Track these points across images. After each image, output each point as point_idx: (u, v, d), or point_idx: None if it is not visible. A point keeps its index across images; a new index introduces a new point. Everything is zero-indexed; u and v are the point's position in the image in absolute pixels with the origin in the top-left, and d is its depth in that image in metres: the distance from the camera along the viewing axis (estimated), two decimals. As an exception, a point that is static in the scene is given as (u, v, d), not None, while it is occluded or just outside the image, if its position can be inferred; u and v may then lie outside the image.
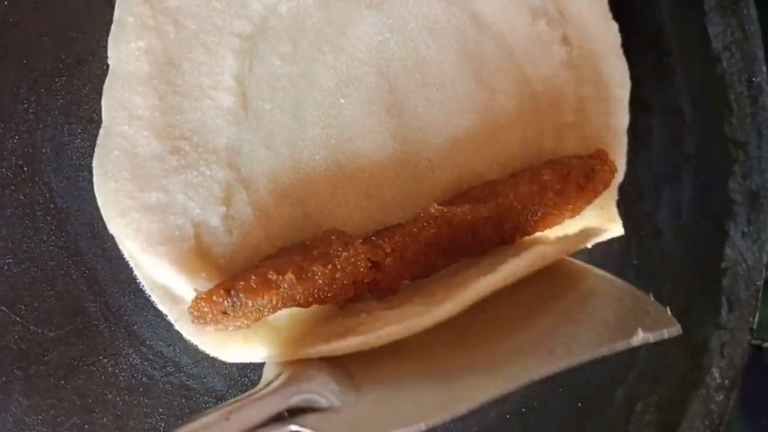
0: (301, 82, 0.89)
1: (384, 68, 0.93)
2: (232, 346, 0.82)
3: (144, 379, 0.91)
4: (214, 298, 0.75)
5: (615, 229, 0.97)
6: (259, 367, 0.86)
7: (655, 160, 1.05)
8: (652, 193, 1.05)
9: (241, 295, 0.75)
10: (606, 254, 1.01)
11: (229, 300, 0.75)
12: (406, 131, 0.93)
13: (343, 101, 0.91)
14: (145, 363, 0.91)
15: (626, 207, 0.97)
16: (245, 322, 0.77)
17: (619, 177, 0.92)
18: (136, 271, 0.85)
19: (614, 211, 0.98)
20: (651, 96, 1.05)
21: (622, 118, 0.99)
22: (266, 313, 0.77)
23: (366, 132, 0.92)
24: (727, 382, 1.03)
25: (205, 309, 0.75)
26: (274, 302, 0.76)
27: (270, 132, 0.88)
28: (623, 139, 0.98)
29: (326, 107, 0.90)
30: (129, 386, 0.91)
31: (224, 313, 0.75)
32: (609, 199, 0.97)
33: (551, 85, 0.98)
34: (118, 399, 0.90)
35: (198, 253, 0.83)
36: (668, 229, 1.05)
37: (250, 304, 0.75)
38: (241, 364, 0.88)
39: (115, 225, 0.81)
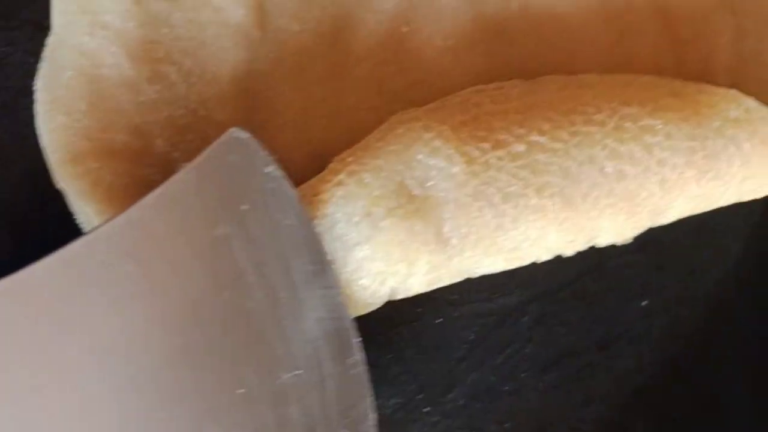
0: None
1: None
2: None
3: None
4: None
5: None
6: None
7: None
8: None
9: None
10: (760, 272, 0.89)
11: None
12: (495, 77, 0.77)
13: (405, 30, 0.76)
14: None
15: None
16: None
17: None
18: None
19: None
20: None
21: None
22: None
23: (437, 77, 0.77)
24: None
25: None
26: None
27: (297, 64, 0.74)
28: None
29: (381, 36, 0.76)
30: None
31: None
32: None
33: (700, 32, 0.83)
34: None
35: None
36: None
37: None
38: None
39: (65, 176, 0.68)
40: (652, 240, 0.84)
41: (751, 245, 0.90)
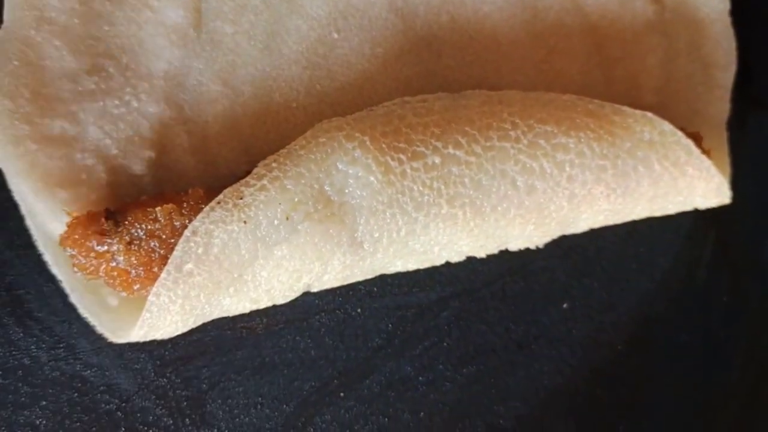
0: (280, 4, 0.76)
1: (399, 1, 0.79)
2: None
3: (26, 360, 0.78)
4: (92, 217, 0.68)
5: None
6: (183, 365, 0.80)
7: (766, 172, 0.92)
8: (759, 215, 0.92)
9: (127, 215, 0.68)
10: (688, 286, 0.91)
11: (110, 219, 0.67)
12: (422, 86, 0.80)
13: (336, 36, 0.78)
14: (30, 340, 0.78)
15: (721, 230, 0.90)
16: (129, 262, 0.67)
17: (721, 185, 0.79)
18: (27, 220, 0.73)
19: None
20: (765, 89, 0.91)
21: (720, 109, 0.86)
22: (150, 252, 0.68)
23: (365, 81, 0.78)
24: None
25: (79, 236, 0.67)
26: (161, 225, 0.68)
27: (230, 63, 0.75)
28: (722, 136, 0.85)
29: (312, 41, 0.77)
30: (4, 366, 0.77)
31: (102, 235, 0.67)
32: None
33: (630, 52, 0.84)
34: (-12, 381, 0.78)
35: (110, 206, 0.71)
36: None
37: (134, 222, 0.68)
38: (160, 361, 0.80)
39: (5, 156, 0.70)
40: (577, 246, 0.87)
41: (681, 258, 0.92)
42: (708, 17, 0.84)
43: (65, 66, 0.71)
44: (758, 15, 0.90)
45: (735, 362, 0.92)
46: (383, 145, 0.70)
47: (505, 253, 0.79)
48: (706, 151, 0.78)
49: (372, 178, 0.69)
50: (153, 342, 0.74)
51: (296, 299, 0.74)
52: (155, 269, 0.67)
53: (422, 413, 0.86)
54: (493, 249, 0.78)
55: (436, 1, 0.79)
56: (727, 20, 0.84)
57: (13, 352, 0.77)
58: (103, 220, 0.67)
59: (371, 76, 0.78)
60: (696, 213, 0.83)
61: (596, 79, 0.84)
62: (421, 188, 0.70)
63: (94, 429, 0.78)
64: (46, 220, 0.71)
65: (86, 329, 0.75)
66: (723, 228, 0.92)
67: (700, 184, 0.78)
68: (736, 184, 0.82)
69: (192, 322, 0.71)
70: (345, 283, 0.75)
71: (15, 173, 0.70)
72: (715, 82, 0.85)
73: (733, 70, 0.85)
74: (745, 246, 0.93)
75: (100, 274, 0.68)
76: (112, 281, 0.68)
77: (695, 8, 0.84)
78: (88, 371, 0.79)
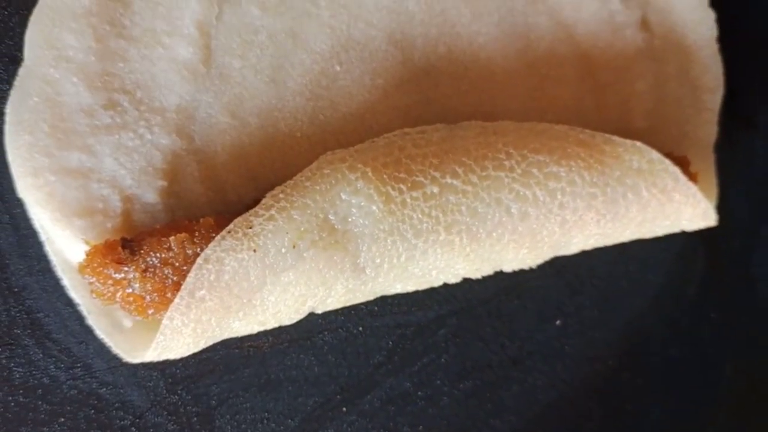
0: (285, 40, 0.79)
1: (398, 34, 0.82)
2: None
3: (45, 379, 0.80)
4: (110, 246, 0.70)
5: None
6: (193, 383, 0.82)
7: (754, 190, 0.95)
8: (747, 233, 0.95)
9: (143, 244, 0.70)
10: (679, 303, 0.94)
11: (126, 248, 0.70)
12: (420, 114, 0.82)
13: (338, 69, 0.80)
14: (49, 360, 0.80)
15: (711, 248, 0.92)
16: (145, 288, 0.70)
17: (707, 210, 0.82)
18: (47, 247, 0.76)
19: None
20: (753, 109, 0.95)
21: (709, 132, 0.88)
22: (164, 279, 0.70)
23: (366, 111, 0.81)
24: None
25: (98, 264, 0.69)
26: (174, 254, 0.70)
27: (237, 96, 0.78)
28: (710, 158, 0.88)
29: (316, 74, 0.80)
30: (25, 385, 0.79)
31: (119, 263, 0.69)
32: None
33: (621, 78, 0.87)
34: (9, 399, 0.79)
35: (125, 234, 0.73)
36: (765, 279, 0.94)
37: (149, 250, 0.70)
38: (171, 378, 0.82)
39: (26, 187, 0.72)
40: (570, 265, 0.90)
41: (672, 275, 0.95)
42: (696, 43, 0.86)
43: (82, 101, 0.73)
44: (744, 41, 0.92)
45: (725, 376, 0.95)
46: (384, 176, 0.72)
47: (499, 273, 0.82)
48: (693, 175, 0.81)
49: (374, 208, 0.72)
50: (165, 361, 0.76)
51: (301, 319, 0.77)
52: (169, 295, 0.70)
53: (421, 427, 0.89)
54: (488, 271, 0.80)
55: (433, 33, 0.82)
56: (714, 46, 0.87)
57: (33, 372, 0.79)
58: (120, 248, 0.70)
59: (372, 106, 0.80)
60: (686, 231, 0.84)
61: (588, 105, 0.86)
62: (420, 216, 0.73)
63: (109, 444, 0.81)
64: (65, 247, 0.74)
65: (102, 350, 0.77)
66: (713, 246, 0.94)
67: (687, 210, 0.81)
68: (724, 203, 0.84)
69: (203, 344, 0.73)
70: (347, 304, 0.78)
71: (35, 203, 0.73)
72: (704, 104, 0.87)
73: (721, 93, 0.87)
74: (734, 263, 0.96)
75: (117, 299, 0.70)
76: (127, 306, 0.71)
77: (684, 35, 0.86)
78: (104, 389, 0.81)
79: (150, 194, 0.75)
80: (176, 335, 0.71)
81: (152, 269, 0.70)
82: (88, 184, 0.74)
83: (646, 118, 0.88)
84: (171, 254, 0.70)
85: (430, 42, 0.82)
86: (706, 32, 0.86)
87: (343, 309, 0.81)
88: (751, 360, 0.96)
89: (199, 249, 0.71)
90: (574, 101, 0.86)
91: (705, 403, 0.94)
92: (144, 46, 0.75)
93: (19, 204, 0.75)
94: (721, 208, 0.84)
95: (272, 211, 0.71)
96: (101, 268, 0.70)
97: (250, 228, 0.70)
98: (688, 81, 0.87)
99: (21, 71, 0.72)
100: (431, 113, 0.83)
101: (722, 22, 0.87)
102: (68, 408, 0.80)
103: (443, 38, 0.83)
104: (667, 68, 0.87)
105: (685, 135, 0.88)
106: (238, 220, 0.71)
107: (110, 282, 0.70)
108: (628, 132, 0.86)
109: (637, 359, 0.94)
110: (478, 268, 0.79)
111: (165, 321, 0.70)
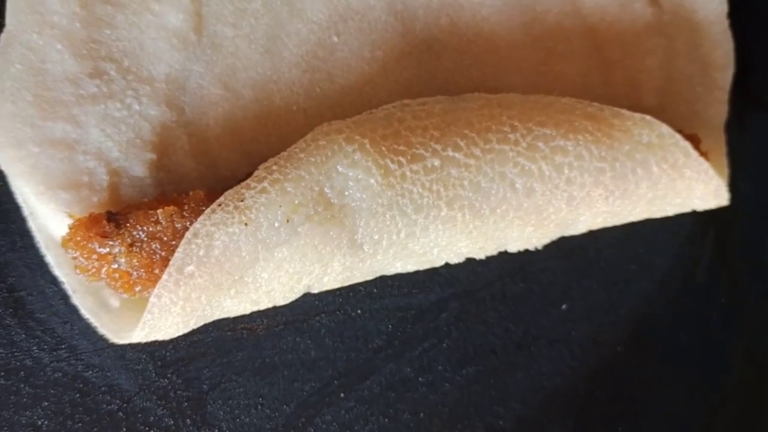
0: (281, 8, 0.77)
1: (398, 4, 0.80)
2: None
3: (28, 361, 0.78)
4: (94, 219, 0.68)
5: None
6: (184, 366, 0.80)
7: (765, 172, 0.93)
8: (758, 216, 0.93)
9: (129, 217, 0.68)
10: (687, 287, 0.92)
11: (112, 221, 0.68)
12: (421, 89, 0.80)
13: (336, 40, 0.78)
14: (32, 341, 0.78)
15: (720, 231, 0.90)
16: (131, 264, 0.68)
17: (719, 187, 0.80)
18: (30, 222, 0.74)
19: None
20: (765, 88, 0.93)
21: (719, 111, 0.86)
22: (151, 254, 0.69)
23: (364, 84, 0.79)
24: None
25: (81, 237, 0.67)
26: (162, 227, 0.68)
27: (230, 67, 0.76)
28: (721, 138, 0.86)
29: (312, 44, 0.78)
30: (7, 367, 0.78)
31: (104, 237, 0.67)
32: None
33: (629, 53, 0.85)
34: (-10, 381, 0.79)
35: (112, 208, 0.71)
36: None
37: (135, 224, 0.68)
38: (161, 361, 0.81)
39: (7, 159, 0.70)
40: (576, 247, 0.88)
41: (680, 259, 0.92)
42: (706, 19, 0.84)
43: (67, 69, 0.71)
44: (756, 16, 0.91)
45: (734, 363, 0.93)
46: (383, 148, 0.70)
47: (504, 255, 0.80)
48: (704, 153, 0.79)
49: (372, 181, 0.70)
50: (154, 343, 0.75)
51: (296, 300, 0.75)
52: (156, 271, 0.68)
53: (422, 414, 0.87)
54: (492, 250, 0.78)
55: (435, 4, 0.80)
56: (725, 22, 0.85)
57: (15, 353, 0.78)
58: (104, 222, 0.68)
59: (371, 79, 0.79)
60: (695, 214, 0.83)
61: (595, 81, 0.84)
62: (420, 190, 0.71)
63: (95, 429, 0.79)
64: (48, 222, 0.72)
65: (88, 330, 0.76)
66: (722, 229, 0.93)
67: (699, 186, 0.79)
68: (734, 185, 0.82)
69: (193, 323, 0.72)
70: (345, 284, 0.76)
71: (17, 176, 0.71)
72: (714, 83, 0.85)
73: (732, 71, 0.85)
74: (743, 247, 0.94)
75: (102, 275, 0.69)
76: (113, 283, 0.69)
77: (693, 10, 0.84)
78: (90, 372, 0.79)
79: (138, 167, 0.74)
80: (164, 314, 0.69)
81: (139, 244, 0.68)
82: (74, 156, 0.72)
83: (655, 95, 0.86)
84: (159, 228, 0.68)
85: (432, 13, 0.80)
86: (716, 7, 0.84)
87: (340, 290, 0.80)
88: (760, 345, 0.94)
89: (188, 223, 0.69)
90: (580, 77, 0.84)
91: (713, 388, 0.93)
92: (132, 12, 0.73)
93: (0, 175, 0.72)
94: (731, 190, 0.82)
95: (264, 183, 0.69)
96: (85, 242, 0.68)
97: (242, 201, 0.68)
98: (698, 57, 0.85)
99: (3, 37, 0.71)
100: (433, 88, 0.81)
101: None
102: (52, 391, 0.79)
103: (446, 9, 0.80)
104: (677, 44, 0.85)
105: (695, 114, 0.86)
106: (229, 193, 0.69)
107: (95, 257, 0.68)
108: (637, 110, 0.83)
109: (644, 344, 0.92)
110: (481, 247, 0.77)
111: (152, 299, 0.68)
